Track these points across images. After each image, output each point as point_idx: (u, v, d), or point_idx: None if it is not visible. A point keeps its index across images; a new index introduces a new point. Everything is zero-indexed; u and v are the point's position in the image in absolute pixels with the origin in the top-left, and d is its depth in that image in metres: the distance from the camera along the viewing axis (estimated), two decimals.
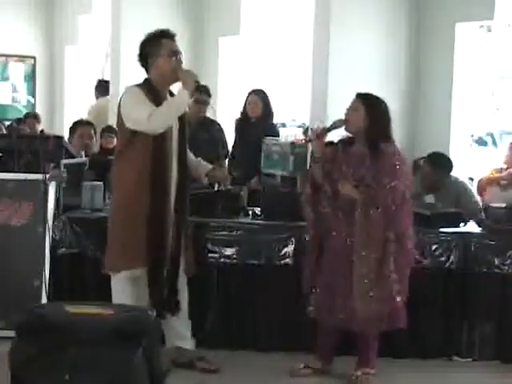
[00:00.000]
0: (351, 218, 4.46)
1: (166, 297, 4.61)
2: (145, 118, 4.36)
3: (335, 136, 4.81)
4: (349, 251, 4.46)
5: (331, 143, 4.87)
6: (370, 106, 4.54)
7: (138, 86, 4.56)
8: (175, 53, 4.53)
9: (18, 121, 10.20)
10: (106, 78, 10.15)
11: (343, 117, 4.62)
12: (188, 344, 4.77)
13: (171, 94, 4.64)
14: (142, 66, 4.63)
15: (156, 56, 4.53)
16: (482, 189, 6.91)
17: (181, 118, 4.61)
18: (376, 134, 4.50)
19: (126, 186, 4.55)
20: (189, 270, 4.72)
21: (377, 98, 4.62)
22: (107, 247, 4.65)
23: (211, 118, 6.80)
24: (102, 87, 9.67)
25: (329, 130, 4.66)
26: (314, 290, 4.65)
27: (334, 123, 4.66)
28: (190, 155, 4.82)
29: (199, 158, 4.92)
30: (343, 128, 4.63)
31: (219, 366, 4.76)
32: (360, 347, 4.66)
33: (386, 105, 4.60)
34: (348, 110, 4.60)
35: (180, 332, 4.71)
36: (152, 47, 4.55)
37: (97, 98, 9.79)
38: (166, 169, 4.52)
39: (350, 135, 4.65)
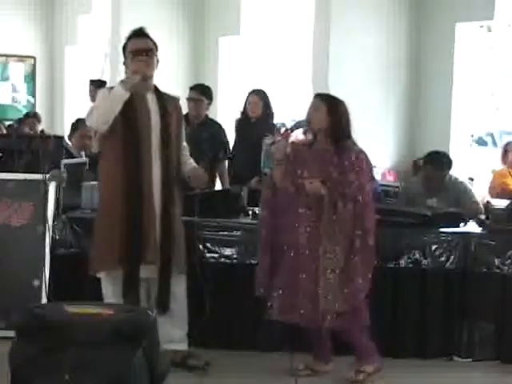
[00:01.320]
0: (317, 213, 4.47)
1: (156, 296, 4.62)
2: (88, 116, 4.49)
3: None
4: (315, 246, 4.47)
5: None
6: (330, 106, 4.59)
7: (113, 86, 4.64)
8: (136, 51, 4.55)
9: (19, 121, 10.19)
10: (99, 78, 9.91)
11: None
12: (180, 346, 4.76)
13: (157, 91, 4.65)
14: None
15: (125, 58, 4.64)
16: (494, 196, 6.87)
17: (163, 115, 4.60)
18: (339, 132, 4.56)
19: (102, 187, 4.67)
20: (179, 269, 4.69)
21: (335, 98, 4.68)
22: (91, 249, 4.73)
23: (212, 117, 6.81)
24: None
25: (292, 130, 4.73)
26: (274, 292, 4.60)
27: (297, 123, 4.72)
28: (186, 155, 4.83)
29: (191, 160, 4.91)
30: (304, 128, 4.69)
31: (210, 365, 4.74)
32: (350, 345, 4.65)
33: (344, 104, 4.66)
34: (309, 109, 4.65)
35: (172, 335, 4.68)
36: (123, 50, 4.66)
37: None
38: (141, 169, 4.52)
39: (310, 136, 4.68)
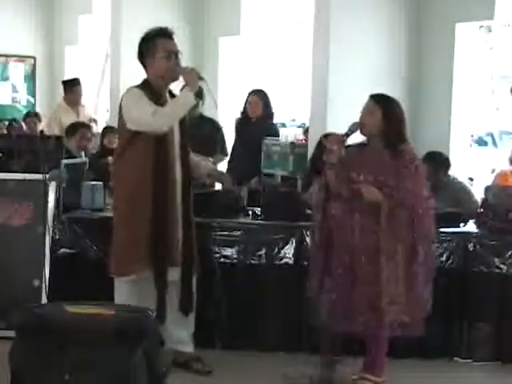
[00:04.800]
0: (375, 219, 4.35)
1: (181, 297, 4.61)
2: (148, 116, 4.34)
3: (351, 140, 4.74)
4: (373, 252, 4.35)
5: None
6: (386, 109, 4.44)
7: (138, 86, 4.55)
8: (170, 53, 4.51)
9: (13, 121, 10.17)
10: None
11: (358, 119, 4.51)
12: (186, 347, 4.76)
13: (171, 94, 4.63)
14: (142, 65, 4.63)
15: (151, 56, 4.52)
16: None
17: (181, 120, 4.60)
18: (394, 135, 4.43)
19: (127, 188, 4.52)
20: (196, 271, 4.70)
21: (390, 99, 4.53)
22: (112, 251, 4.62)
23: None
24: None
25: (347, 135, 4.52)
26: (325, 296, 4.50)
27: (351, 128, 4.52)
28: (191, 155, 4.82)
29: (199, 158, 4.92)
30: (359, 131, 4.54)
31: (213, 367, 4.74)
32: (370, 350, 4.57)
33: (399, 105, 4.53)
34: (363, 113, 4.49)
35: (179, 337, 4.70)
36: (148, 47, 4.54)
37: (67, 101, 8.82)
38: (169, 170, 4.50)
39: (364, 139, 4.55)
